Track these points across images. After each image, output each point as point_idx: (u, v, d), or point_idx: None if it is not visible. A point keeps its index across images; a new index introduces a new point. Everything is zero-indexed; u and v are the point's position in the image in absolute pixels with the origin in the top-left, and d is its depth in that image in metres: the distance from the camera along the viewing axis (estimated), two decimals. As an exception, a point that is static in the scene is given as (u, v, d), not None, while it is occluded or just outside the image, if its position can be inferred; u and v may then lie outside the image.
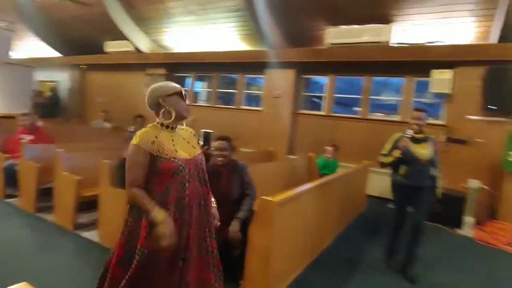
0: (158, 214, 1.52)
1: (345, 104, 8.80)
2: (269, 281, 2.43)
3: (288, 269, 2.84)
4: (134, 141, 1.63)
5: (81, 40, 10.73)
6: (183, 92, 1.74)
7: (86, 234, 3.56)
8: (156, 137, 1.64)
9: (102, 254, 3.14)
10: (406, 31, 6.22)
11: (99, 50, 10.07)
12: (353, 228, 4.63)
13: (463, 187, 5.12)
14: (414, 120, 3.19)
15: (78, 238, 3.49)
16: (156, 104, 1.72)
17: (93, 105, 11.00)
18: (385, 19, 6.12)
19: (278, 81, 7.40)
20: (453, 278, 3.35)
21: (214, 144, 2.85)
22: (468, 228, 4.83)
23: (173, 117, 1.69)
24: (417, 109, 3.27)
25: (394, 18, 6.09)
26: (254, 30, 7.23)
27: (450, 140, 5.69)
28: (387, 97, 6.87)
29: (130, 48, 9.32)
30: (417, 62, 5.86)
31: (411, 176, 3.14)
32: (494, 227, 4.67)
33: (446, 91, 5.73)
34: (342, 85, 7.27)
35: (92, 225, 3.71)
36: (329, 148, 5.71)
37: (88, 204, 3.82)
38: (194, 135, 1.86)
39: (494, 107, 5.26)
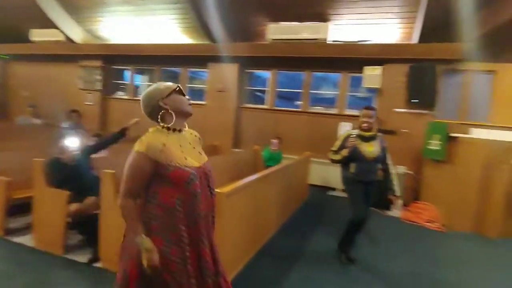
0: (145, 241, 1.42)
1: (287, 98, 9.12)
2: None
3: (236, 259, 2.93)
4: (140, 148, 1.47)
5: (2, 28, 9.62)
6: (181, 88, 1.66)
7: (19, 239, 3.30)
8: (164, 145, 1.50)
9: (37, 259, 2.96)
10: (341, 29, 6.64)
11: (25, 39, 9.14)
12: (297, 216, 4.89)
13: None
14: (364, 118, 3.19)
15: (9, 244, 3.22)
16: (157, 109, 1.58)
17: (17, 99, 9.98)
18: (323, 18, 6.47)
19: (222, 75, 7.43)
20: (383, 250, 3.75)
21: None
22: (396, 209, 5.38)
23: (174, 118, 1.58)
24: (367, 108, 3.25)
25: (330, 17, 6.47)
26: (196, 23, 7.14)
27: (380, 131, 6.16)
28: (325, 91, 7.28)
29: (60, 37, 8.60)
30: (351, 59, 6.30)
31: (360, 173, 3.20)
32: (418, 207, 5.26)
33: (377, 86, 6.26)
34: (284, 79, 7.52)
35: (25, 230, 3.44)
36: (274, 141, 5.91)
37: (20, 207, 3.52)
38: (199, 138, 1.77)
39: (416, 101, 5.88)
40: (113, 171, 2.86)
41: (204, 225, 1.58)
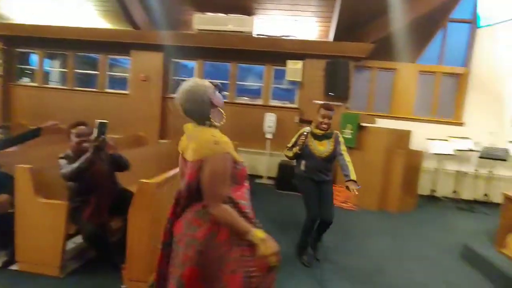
0: (257, 232, 1.41)
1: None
2: (154, 259, 2.53)
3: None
4: (225, 149, 1.41)
5: None
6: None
7: None
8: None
9: None
10: (266, 24, 6.92)
11: None
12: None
13: (312, 160, 6.20)
14: (324, 119, 3.10)
15: None
16: (209, 106, 1.51)
17: None
18: (248, 11, 6.65)
19: (146, 64, 7.15)
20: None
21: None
22: (316, 192, 5.92)
23: (224, 116, 1.53)
24: (327, 108, 3.13)
25: (255, 11, 6.68)
26: (115, 7, 6.72)
27: (301, 121, 6.73)
28: (251, 83, 7.52)
29: None
30: (275, 52, 6.63)
31: (311, 171, 3.16)
32: (334, 190, 5.86)
33: (298, 79, 6.71)
34: (210, 70, 7.55)
35: None
36: None
37: None
38: None
39: (332, 94, 6.48)
40: (29, 166, 2.66)
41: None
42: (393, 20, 6.12)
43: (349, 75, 6.40)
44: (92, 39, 7.12)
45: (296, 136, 3.25)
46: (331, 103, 6.42)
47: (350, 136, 5.71)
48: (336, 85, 6.40)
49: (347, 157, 3.16)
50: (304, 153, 3.15)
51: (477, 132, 6.36)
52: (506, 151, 5.91)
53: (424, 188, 6.42)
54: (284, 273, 2.99)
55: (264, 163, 6.87)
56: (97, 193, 2.62)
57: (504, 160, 5.88)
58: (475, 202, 6.32)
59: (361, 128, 5.66)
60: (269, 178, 6.83)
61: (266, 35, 6.81)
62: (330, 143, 3.17)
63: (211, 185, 1.40)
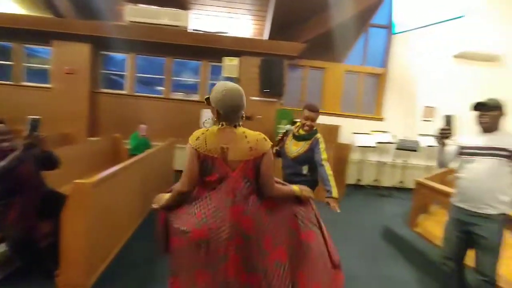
0: (294, 187, 1.90)
1: (147, 83, 8.80)
2: (91, 262, 2.43)
3: (108, 246, 2.88)
4: (269, 144, 1.76)
5: None
6: None
7: None
8: None
9: None
10: (202, 19, 6.88)
11: None
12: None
13: (249, 155, 6.36)
14: (307, 121, 2.89)
15: None
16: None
17: None
18: (183, 5, 6.54)
19: (70, 55, 6.60)
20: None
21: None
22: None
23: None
24: (311, 110, 2.91)
25: (191, 5, 6.60)
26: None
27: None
28: (187, 78, 7.42)
29: None
30: (211, 48, 6.62)
31: (285, 170, 3.03)
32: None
33: (235, 75, 6.80)
34: (144, 63, 7.26)
35: None
36: (143, 126, 5.67)
37: None
38: None
39: (267, 90, 6.70)
40: None
41: None
42: (322, 22, 6.56)
43: (283, 72, 6.69)
44: (4, 25, 6.36)
45: (281, 134, 3.14)
46: (265, 99, 6.81)
47: (285, 131, 5.99)
48: (271, 82, 6.64)
49: (328, 170, 2.76)
50: (281, 152, 3.04)
51: (394, 126, 7.14)
52: (417, 143, 6.74)
53: (351, 177, 7.03)
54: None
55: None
56: (23, 194, 2.41)
57: (415, 151, 6.71)
58: (393, 188, 7.11)
59: (295, 123, 5.96)
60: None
61: (202, 31, 6.77)
62: (306, 145, 2.91)
63: (271, 172, 1.73)
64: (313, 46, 6.78)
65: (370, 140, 6.84)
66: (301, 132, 2.94)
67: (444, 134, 2.34)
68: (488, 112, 2.31)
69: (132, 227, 3.64)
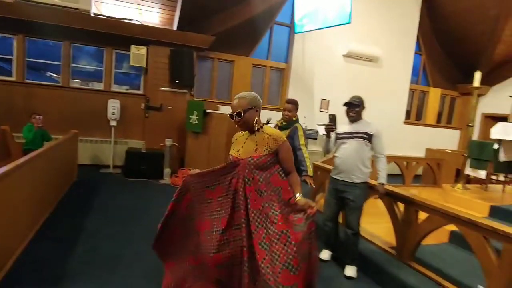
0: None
1: (39, 69, 7.86)
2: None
3: (9, 248, 2.69)
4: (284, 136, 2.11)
5: None
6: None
7: None
8: None
9: None
10: (105, 3, 6.46)
11: None
12: (68, 196, 4.68)
13: (162, 146, 6.33)
14: (284, 111, 3.45)
15: None
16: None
17: None
18: (83, -13, 6.04)
19: None
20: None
21: None
22: (167, 177, 6.13)
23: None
24: (289, 102, 3.47)
25: (92, -12, 6.13)
26: None
27: (148, 107, 6.72)
28: (90, 66, 6.87)
29: None
30: (116, 35, 6.30)
31: None
32: (184, 173, 6.21)
33: (142, 65, 6.62)
34: (36, 47, 6.46)
35: None
36: (39, 116, 5.08)
37: None
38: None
39: (177, 81, 6.71)
40: None
41: None
42: (231, 17, 6.82)
43: (193, 64, 6.77)
44: None
45: None
46: (175, 90, 6.80)
47: (196, 122, 6.14)
48: (181, 73, 6.66)
49: (305, 153, 3.31)
50: None
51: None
52: (316, 131, 7.60)
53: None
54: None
55: (110, 151, 6.54)
56: None
57: (315, 138, 7.56)
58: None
59: (206, 114, 6.15)
60: (116, 167, 6.57)
61: (106, 16, 6.36)
62: (286, 133, 3.37)
63: (291, 160, 2.12)
64: (222, 39, 7.01)
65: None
66: (283, 123, 3.50)
67: (329, 129, 2.97)
68: (353, 108, 3.01)
69: (34, 226, 3.39)
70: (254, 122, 2.05)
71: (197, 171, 2.15)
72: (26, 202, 3.07)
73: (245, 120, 2.02)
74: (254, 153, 2.01)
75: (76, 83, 6.74)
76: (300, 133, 3.41)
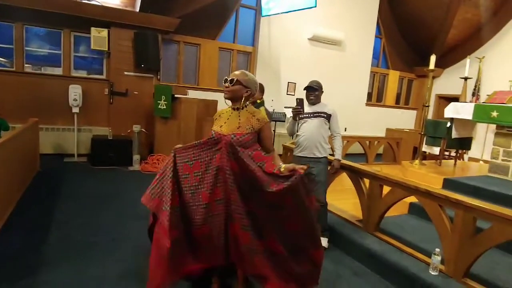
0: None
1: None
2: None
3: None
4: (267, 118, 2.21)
5: None
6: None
7: None
8: None
9: None
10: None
11: None
12: (33, 188, 4.51)
13: (129, 132, 6.19)
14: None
15: None
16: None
17: None
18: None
19: None
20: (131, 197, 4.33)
21: None
22: (136, 164, 6.03)
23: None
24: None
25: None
26: None
27: (112, 93, 6.50)
28: (43, 49, 6.46)
29: None
30: (75, 17, 5.97)
31: None
32: (153, 159, 6.15)
33: (105, 48, 6.35)
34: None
35: None
36: None
37: None
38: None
39: (143, 65, 6.52)
40: None
41: None
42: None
43: (159, 47, 6.59)
44: None
45: None
46: (141, 74, 6.60)
47: (164, 107, 6.05)
48: (147, 57, 6.47)
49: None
50: None
51: (264, 100, 7.96)
52: (283, 114, 7.75)
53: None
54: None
55: (73, 140, 6.29)
56: None
57: (283, 121, 7.71)
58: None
59: (174, 99, 6.08)
60: (80, 155, 6.35)
61: (61, -4, 5.98)
62: None
63: (270, 138, 2.27)
64: (188, 21, 6.87)
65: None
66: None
67: (297, 112, 3.11)
68: (313, 92, 3.28)
69: (1, 218, 3.27)
70: (241, 98, 2.13)
71: (179, 145, 2.14)
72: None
73: (232, 90, 2.10)
74: (237, 130, 2.06)
75: (28, 68, 6.33)
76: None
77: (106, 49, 6.37)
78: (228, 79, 2.11)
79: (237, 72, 2.14)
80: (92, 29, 6.10)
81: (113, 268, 2.68)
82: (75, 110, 6.17)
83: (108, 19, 6.18)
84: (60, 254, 2.85)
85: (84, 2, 6.11)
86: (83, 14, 6.00)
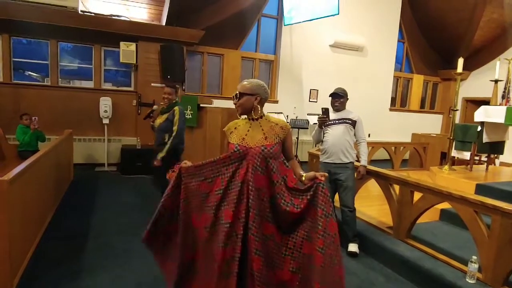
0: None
1: (22, 69, 7.69)
2: (10, 267, 2.34)
3: (25, 245, 2.75)
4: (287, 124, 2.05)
5: None
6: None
7: None
8: None
9: None
10: (92, 0, 6.39)
11: None
12: (68, 196, 4.71)
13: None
14: (164, 94, 3.70)
15: None
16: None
17: None
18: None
19: None
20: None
21: None
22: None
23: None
24: (167, 86, 3.79)
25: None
26: None
27: (140, 104, 6.73)
28: (74, 64, 6.79)
29: None
30: (105, 32, 6.26)
31: (155, 141, 3.79)
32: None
33: (133, 61, 6.61)
34: (22, 47, 6.35)
35: None
36: (35, 118, 5.04)
37: None
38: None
39: (169, 77, 6.73)
40: None
41: None
42: (219, 10, 6.86)
43: (184, 59, 6.78)
44: None
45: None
46: (169, 83, 6.78)
47: (190, 117, 6.19)
48: (172, 69, 6.67)
49: (170, 138, 3.59)
50: (153, 127, 3.81)
51: (287, 108, 8.03)
52: (307, 121, 7.77)
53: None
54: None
55: (104, 150, 6.54)
56: None
57: (306, 128, 7.73)
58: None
59: (200, 108, 6.22)
60: (110, 164, 6.59)
61: (93, 13, 6.30)
62: (165, 116, 3.69)
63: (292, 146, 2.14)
64: (211, 33, 7.05)
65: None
66: (163, 107, 3.74)
67: (322, 121, 3.14)
68: (338, 99, 3.31)
69: (41, 227, 3.45)
70: (252, 109, 1.97)
71: (189, 163, 1.99)
72: (33, 202, 3.11)
73: (241, 104, 1.96)
74: (265, 141, 1.91)
75: (71, 83, 6.66)
76: (177, 117, 3.63)
77: (134, 62, 6.62)
78: (234, 95, 2.00)
79: (238, 86, 2.01)
80: (121, 43, 6.37)
81: (149, 273, 2.78)
82: (105, 121, 6.43)
83: (136, 33, 6.44)
84: (99, 260, 2.97)
85: (113, 18, 6.40)
86: (113, 30, 6.28)
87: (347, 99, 3.38)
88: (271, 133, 1.95)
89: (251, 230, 1.78)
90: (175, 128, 3.60)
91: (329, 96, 3.37)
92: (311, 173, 1.92)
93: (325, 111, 3.09)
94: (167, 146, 3.56)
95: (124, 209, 4.34)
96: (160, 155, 3.56)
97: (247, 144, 1.91)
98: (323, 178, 1.85)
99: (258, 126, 1.98)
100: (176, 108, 3.67)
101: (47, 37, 6.24)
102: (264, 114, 2.04)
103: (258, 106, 1.97)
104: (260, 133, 1.95)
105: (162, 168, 3.41)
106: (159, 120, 3.72)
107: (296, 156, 7.03)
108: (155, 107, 3.87)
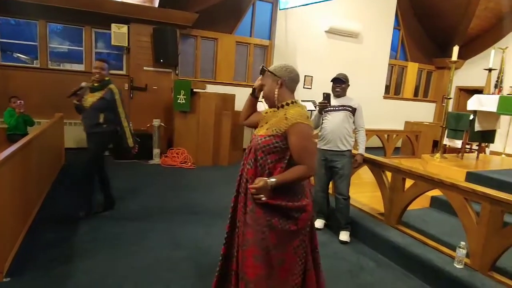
0: None
1: (8, 51, 7.45)
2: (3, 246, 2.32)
3: (16, 229, 2.73)
4: (306, 120, 1.63)
5: None
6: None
7: None
8: None
9: None
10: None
11: None
12: (60, 180, 4.67)
13: (149, 126, 6.32)
14: (95, 69, 3.36)
15: None
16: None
17: None
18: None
19: None
20: (150, 190, 4.44)
21: None
22: (156, 157, 6.16)
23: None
24: (98, 60, 3.48)
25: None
26: None
27: (132, 88, 6.62)
28: (63, 46, 6.62)
29: None
30: (96, 13, 6.08)
31: (83, 122, 3.44)
32: (173, 152, 6.26)
33: (124, 44, 6.46)
34: (7, 27, 6.14)
35: None
36: (20, 101, 4.94)
37: None
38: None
39: (162, 61, 6.61)
40: None
41: None
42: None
43: (177, 42, 6.65)
44: None
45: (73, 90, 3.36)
46: (159, 69, 6.68)
47: (184, 102, 6.13)
48: (165, 52, 6.54)
49: (124, 121, 3.46)
50: (80, 106, 3.38)
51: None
52: (300, 108, 7.73)
53: (246, 142, 7.67)
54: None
55: (95, 134, 6.44)
56: None
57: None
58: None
59: (193, 93, 6.14)
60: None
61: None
62: (99, 94, 3.31)
63: (308, 151, 1.69)
64: (205, 16, 6.90)
65: (262, 107, 7.51)
66: (94, 84, 3.36)
67: (323, 106, 3.11)
68: (339, 84, 3.27)
69: (33, 210, 3.41)
70: (274, 96, 1.72)
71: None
72: (23, 186, 3.06)
73: (264, 81, 1.80)
74: (265, 131, 1.68)
75: (61, 66, 6.50)
76: (118, 96, 3.36)
77: (126, 44, 6.48)
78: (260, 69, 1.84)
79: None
80: (113, 25, 6.21)
81: (141, 257, 2.79)
82: (97, 105, 6.30)
83: (127, 15, 6.28)
84: (91, 244, 2.97)
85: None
86: (104, 11, 6.11)
87: (348, 85, 3.35)
88: (275, 123, 1.66)
89: (237, 224, 1.78)
90: (120, 110, 3.37)
91: (331, 81, 3.33)
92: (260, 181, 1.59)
93: (327, 96, 3.04)
94: (128, 131, 3.49)
95: (115, 194, 4.29)
96: (131, 141, 3.52)
97: (255, 135, 1.77)
98: (253, 190, 1.60)
99: (275, 115, 1.72)
100: (113, 86, 3.37)
101: (36, 17, 6.06)
102: (291, 103, 1.71)
103: (280, 91, 1.72)
104: (270, 123, 1.71)
105: (99, 149, 3.53)
106: (91, 99, 3.31)
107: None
108: (83, 83, 3.39)
